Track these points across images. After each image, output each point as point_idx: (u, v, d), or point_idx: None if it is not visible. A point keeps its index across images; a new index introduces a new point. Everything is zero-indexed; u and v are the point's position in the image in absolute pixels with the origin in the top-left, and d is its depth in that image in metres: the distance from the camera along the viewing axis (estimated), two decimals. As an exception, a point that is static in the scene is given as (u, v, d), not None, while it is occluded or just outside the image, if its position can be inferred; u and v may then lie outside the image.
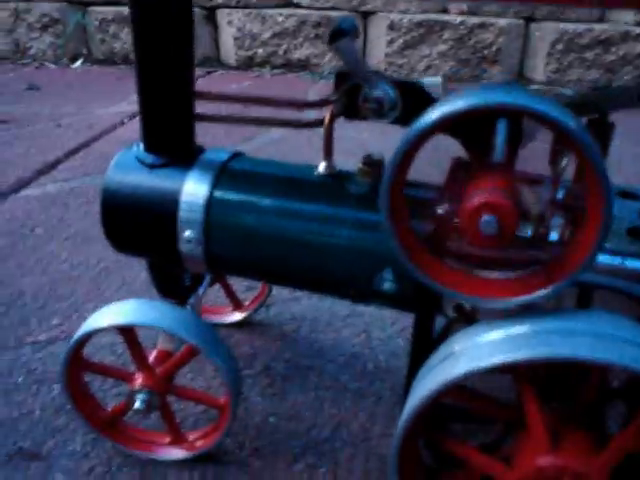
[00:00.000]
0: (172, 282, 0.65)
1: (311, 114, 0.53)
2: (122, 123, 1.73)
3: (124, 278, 0.95)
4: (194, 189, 0.54)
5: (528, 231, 0.37)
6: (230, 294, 0.82)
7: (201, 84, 1.91)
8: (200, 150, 0.58)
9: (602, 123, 0.45)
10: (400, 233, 0.39)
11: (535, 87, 2.14)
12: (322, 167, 0.52)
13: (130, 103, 1.87)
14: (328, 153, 0.52)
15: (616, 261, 0.43)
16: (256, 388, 0.72)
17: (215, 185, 0.54)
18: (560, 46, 2.18)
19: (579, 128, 0.33)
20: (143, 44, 0.52)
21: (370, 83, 0.55)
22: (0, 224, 1.13)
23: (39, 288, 0.92)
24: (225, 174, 0.55)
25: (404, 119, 0.57)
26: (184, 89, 0.54)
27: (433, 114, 0.35)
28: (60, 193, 1.27)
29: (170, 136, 0.56)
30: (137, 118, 0.56)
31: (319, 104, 0.53)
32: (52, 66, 2.45)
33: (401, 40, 2.29)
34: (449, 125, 0.36)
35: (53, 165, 1.42)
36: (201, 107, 0.57)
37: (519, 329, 0.38)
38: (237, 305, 0.83)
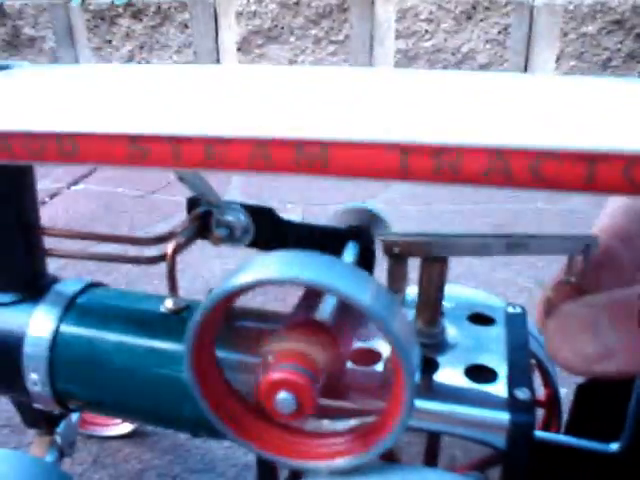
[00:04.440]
0: (35, 411, 0.62)
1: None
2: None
3: None
4: (40, 325, 0.52)
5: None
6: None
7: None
8: (54, 281, 0.56)
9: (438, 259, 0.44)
10: (210, 395, 0.38)
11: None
12: (168, 303, 0.51)
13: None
14: (173, 288, 0.51)
15: (451, 407, 0.41)
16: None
17: (62, 320, 0.52)
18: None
19: (376, 302, 0.32)
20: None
21: (221, 209, 0.55)
22: None
23: None
24: (74, 308, 0.53)
25: (259, 242, 0.57)
26: (27, 227, 0.53)
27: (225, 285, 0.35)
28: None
29: (16, 274, 0.54)
30: None
31: (164, 239, 0.52)
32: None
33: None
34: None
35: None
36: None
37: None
38: (127, 415, 0.80)
